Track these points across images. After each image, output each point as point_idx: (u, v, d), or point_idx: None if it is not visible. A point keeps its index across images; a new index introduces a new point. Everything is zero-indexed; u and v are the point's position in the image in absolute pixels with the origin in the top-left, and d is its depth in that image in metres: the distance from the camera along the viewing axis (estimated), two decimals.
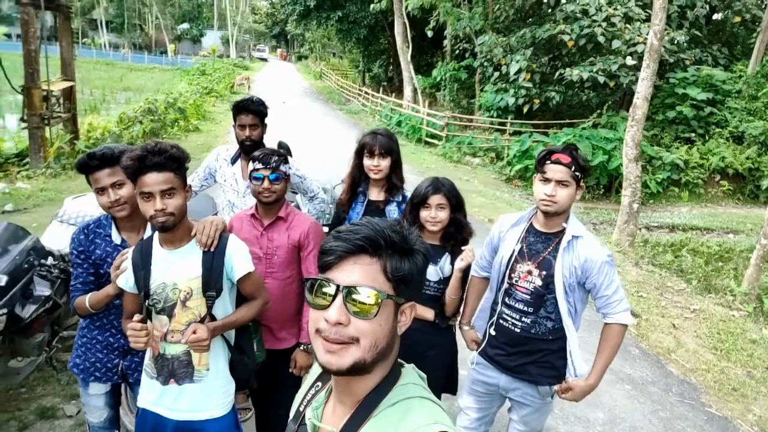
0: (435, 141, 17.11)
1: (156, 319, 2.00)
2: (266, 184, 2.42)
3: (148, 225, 2.24)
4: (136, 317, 1.86)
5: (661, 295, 6.37)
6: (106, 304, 2.16)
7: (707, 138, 15.24)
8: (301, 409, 1.17)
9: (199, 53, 55.05)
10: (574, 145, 2.31)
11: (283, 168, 2.47)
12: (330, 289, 0.97)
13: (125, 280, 2.00)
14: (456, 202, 2.50)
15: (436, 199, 2.47)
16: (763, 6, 16.39)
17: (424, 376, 1.11)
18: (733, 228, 11.80)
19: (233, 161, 3.20)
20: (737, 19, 16.91)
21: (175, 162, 1.89)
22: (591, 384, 2.31)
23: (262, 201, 2.46)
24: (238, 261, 2.05)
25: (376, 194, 2.99)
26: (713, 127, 15.34)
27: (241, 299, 2.18)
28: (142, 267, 1.97)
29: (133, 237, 2.25)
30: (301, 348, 2.57)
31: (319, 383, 1.18)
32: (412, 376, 1.07)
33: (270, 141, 3.41)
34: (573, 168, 2.18)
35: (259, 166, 2.43)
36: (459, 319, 2.67)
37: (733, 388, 4.46)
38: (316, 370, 1.22)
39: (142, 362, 2.13)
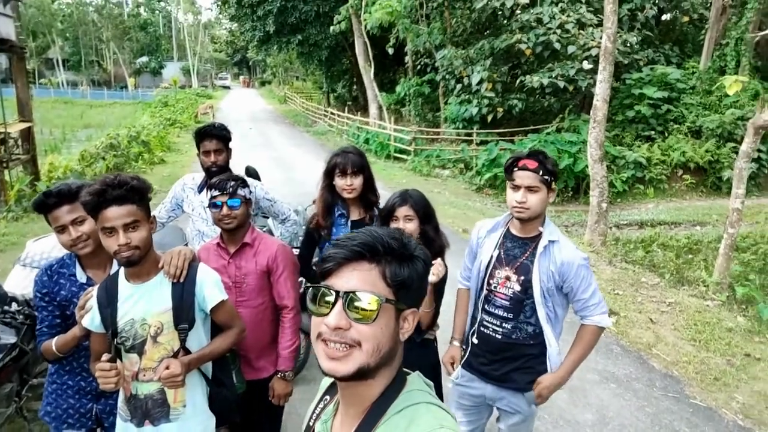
0: (404, 156, 17.20)
1: (126, 358, 1.93)
2: (225, 210, 2.37)
3: (115, 260, 2.17)
4: (104, 357, 1.78)
5: (636, 291, 6.46)
6: (73, 346, 2.07)
7: (667, 135, 15.68)
8: (310, 423, 1.18)
9: (160, 85, 54.50)
10: (541, 150, 2.33)
11: (241, 192, 2.42)
12: (330, 297, 0.99)
13: (91, 319, 1.92)
14: (424, 214, 2.49)
15: (402, 211, 2.45)
16: (708, 5, 17.06)
17: (431, 383, 1.11)
18: (699, 220, 12.10)
19: (200, 189, 3.14)
20: (685, 18, 17.56)
21: (137, 194, 1.83)
22: (559, 377, 2.30)
23: (224, 228, 2.41)
24: (210, 290, 1.99)
25: (357, 214, 2.95)
26: (671, 123, 15.79)
27: (216, 330, 2.12)
28: (108, 304, 1.90)
29: (99, 274, 2.17)
30: (279, 376, 2.50)
31: (327, 397, 1.19)
32: (418, 383, 1.08)
33: (237, 166, 3.37)
34: (541, 172, 2.19)
35: (216, 192, 2.39)
36: (437, 331, 2.64)
37: (714, 377, 4.52)
38: (324, 384, 1.23)
39: (116, 405, 2.05)
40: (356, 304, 0.97)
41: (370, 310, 0.97)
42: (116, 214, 1.77)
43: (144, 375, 1.92)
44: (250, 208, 2.52)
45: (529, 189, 2.19)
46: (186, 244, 3.51)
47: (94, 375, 1.83)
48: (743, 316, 5.93)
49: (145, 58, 64.66)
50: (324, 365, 0.99)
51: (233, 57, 73.16)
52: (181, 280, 1.95)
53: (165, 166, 14.86)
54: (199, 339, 2.02)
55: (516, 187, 2.22)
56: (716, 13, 16.46)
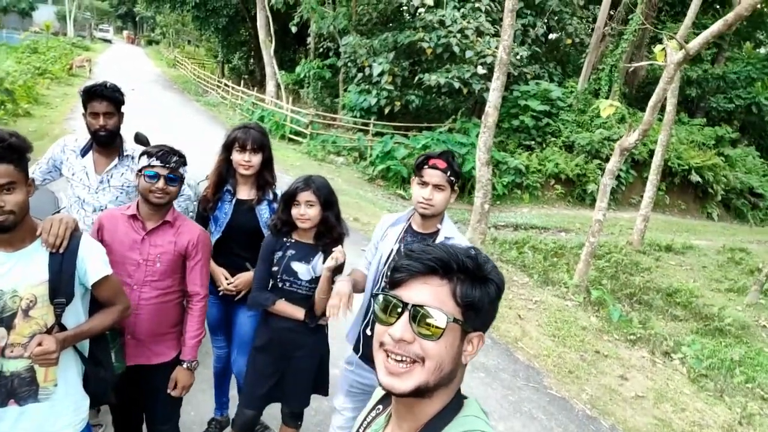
0: (299, 138, 16.97)
1: None
2: (161, 183, 2.21)
3: None
4: None
5: (508, 289, 6.96)
6: None
7: (544, 146, 17.02)
8: (360, 431, 1.15)
9: (29, 29, 48.60)
10: (451, 151, 2.44)
11: (181, 170, 2.29)
12: (398, 307, 0.97)
13: None
14: (326, 200, 2.51)
15: (305, 196, 2.46)
16: (591, 31, 18.66)
17: (487, 411, 1.09)
18: (564, 227, 13.29)
19: (83, 153, 2.87)
20: (568, 41, 19.09)
21: (15, 152, 1.65)
22: None
23: (152, 201, 2.23)
24: (93, 263, 1.85)
25: (246, 193, 2.89)
26: (549, 136, 17.17)
27: (95, 306, 1.97)
28: None
29: None
30: (185, 366, 2.40)
31: (380, 406, 1.16)
32: (474, 408, 1.05)
33: (124, 132, 3.13)
34: (449, 173, 2.30)
35: (156, 162, 2.21)
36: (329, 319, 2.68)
37: (569, 370, 5.01)
38: (377, 394, 1.21)
39: None
40: (423, 319, 0.95)
41: (437, 327, 0.95)
42: None
43: (12, 351, 1.74)
44: (181, 187, 2.37)
45: (437, 187, 2.30)
46: (58, 211, 3.21)
47: None
48: (596, 316, 6.63)
49: None
50: (382, 379, 0.97)
51: (117, 8, 67.18)
52: (61, 250, 1.79)
53: (31, 120, 13.33)
54: (76, 315, 1.87)
55: (424, 184, 2.31)
56: (596, 39, 18.09)
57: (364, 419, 1.19)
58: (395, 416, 1.07)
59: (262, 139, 2.81)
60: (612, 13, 18.48)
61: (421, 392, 0.97)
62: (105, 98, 2.74)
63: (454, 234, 2.43)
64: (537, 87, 16.96)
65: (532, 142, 17.02)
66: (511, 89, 16.84)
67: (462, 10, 15.86)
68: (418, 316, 0.96)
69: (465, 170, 14.39)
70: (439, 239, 2.39)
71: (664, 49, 6.05)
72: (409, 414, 1.03)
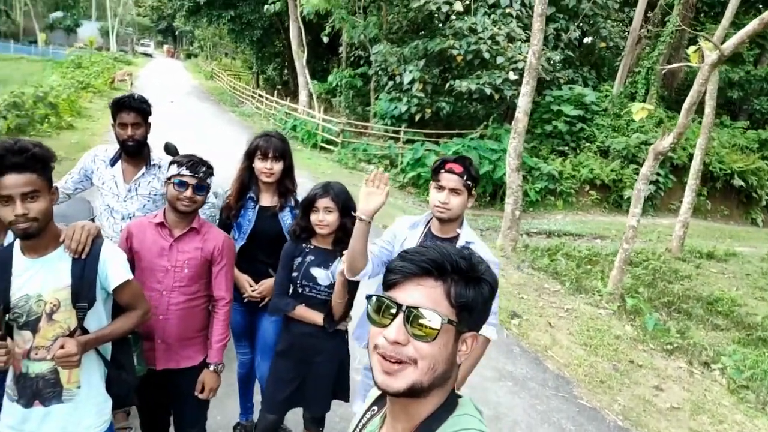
0: (330, 147, 17.13)
1: (18, 335, 1.81)
2: (189, 192, 2.28)
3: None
4: None
5: (539, 296, 6.85)
6: None
7: (578, 151, 16.71)
8: None
9: (74, 44, 50.67)
10: (468, 156, 2.44)
11: (208, 180, 2.36)
12: (392, 309, 0.97)
13: None
14: (344, 206, 2.52)
15: (323, 202, 2.48)
16: (625, 34, 18.29)
17: (482, 410, 1.09)
18: (599, 234, 12.99)
19: (113, 163, 2.97)
20: (603, 44, 18.74)
21: (39, 162, 1.72)
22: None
23: (179, 209, 2.31)
24: (114, 269, 1.91)
25: (268, 200, 2.94)
26: (583, 141, 16.84)
27: (117, 310, 2.03)
28: (1, 278, 1.77)
29: None
30: (211, 369, 2.45)
31: (375, 408, 1.17)
32: (469, 407, 1.05)
33: (156, 142, 3.23)
34: (465, 177, 2.30)
35: (185, 172, 2.28)
36: (349, 322, 2.69)
37: (601, 380, 4.89)
38: (373, 394, 1.22)
39: (4, 384, 1.92)
40: (418, 320, 0.95)
41: (431, 329, 0.95)
42: (14, 182, 1.65)
43: (36, 353, 1.81)
44: (207, 197, 2.45)
45: (453, 191, 2.31)
46: (93, 219, 3.33)
47: None
48: (631, 325, 6.45)
49: (59, 13, 59.82)
50: (377, 378, 0.98)
51: (158, 24, 69.22)
52: (83, 256, 1.86)
53: (74, 132, 13.88)
54: (98, 319, 1.93)
55: (440, 188, 2.32)
56: (632, 42, 17.71)
57: (360, 421, 1.19)
58: (390, 417, 1.07)
59: (283, 147, 2.86)
60: (648, 15, 18.07)
61: (415, 392, 0.97)
62: (132, 109, 2.83)
63: (474, 239, 2.42)
64: (570, 91, 16.69)
65: (566, 148, 16.73)
66: (544, 94, 16.62)
67: (493, 16, 15.76)
68: (412, 317, 0.96)
69: (497, 177, 14.28)
70: (460, 244, 2.38)
71: (698, 50, 5.88)
72: (404, 414, 1.03)
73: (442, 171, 2.33)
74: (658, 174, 15.58)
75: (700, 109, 10.30)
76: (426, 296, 0.98)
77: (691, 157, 12.84)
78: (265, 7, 20.95)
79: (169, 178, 2.32)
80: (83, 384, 1.90)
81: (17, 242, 1.84)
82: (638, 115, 6.77)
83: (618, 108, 17.20)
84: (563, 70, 17.24)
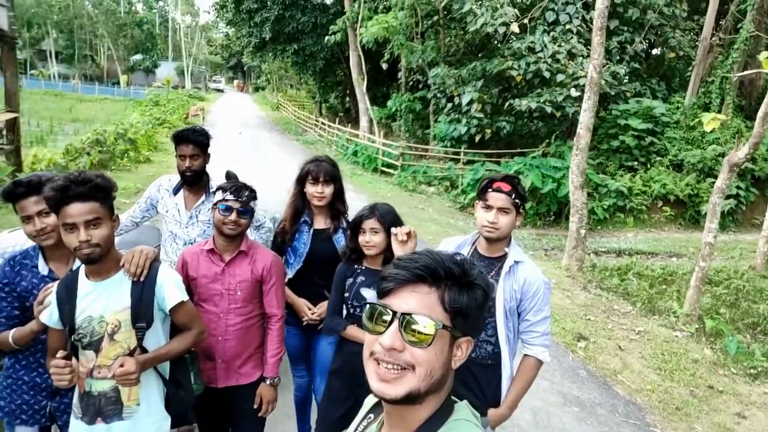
0: (390, 170, 17.30)
1: (82, 355, 1.93)
2: (233, 216, 2.37)
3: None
4: (60, 353, 1.78)
5: (607, 318, 6.54)
6: (30, 340, 2.07)
7: (649, 166, 15.97)
8: None
9: (152, 84, 54.30)
10: (515, 174, 2.41)
11: (252, 204, 2.45)
12: (387, 316, 0.98)
13: (49, 315, 1.93)
14: (389, 226, 2.53)
15: (369, 223, 2.52)
16: (695, 44, 17.49)
17: (478, 414, 1.10)
18: (675, 252, 12.28)
19: (175, 191, 3.15)
20: (672, 54, 17.97)
21: (101, 191, 1.84)
22: (501, 414, 2.34)
23: (225, 233, 2.40)
24: (170, 290, 2.01)
25: (322, 223, 3.00)
26: (654, 155, 16.09)
27: (175, 330, 2.13)
28: (67, 301, 1.90)
29: (61, 268, 2.18)
30: (267, 383, 2.53)
31: (372, 415, 1.18)
32: (465, 412, 1.06)
33: (219, 169, 3.38)
34: (513, 196, 2.27)
35: (229, 197, 2.39)
36: None
37: (676, 407, 4.59)
38: (368, 402, 1.23)
39: (71, 402, 2.04)
40: (412, 326, 0.96)
41: (426, 335, 0.96)
42: (78, 210, 1.78)
43: (99, 372, 1.92)
44: (252, 220, 2.55)
45: (501, 210, 2.27)
46: (159, 245, 3.52)
47: (49, 371, 1.83)
48: (710, 348, 6.03)
49: (139, 56, 64.46)
50: (374, 386, 0.98)
51: (228, 61, 73.22)
52: (141, 279, 1.96)
53: (151, 165, 14.78)
54: (157, 339, 2.03)
55: (488, 208, 2.29)
56: (703, 51, 16.89)
57: (356, 429, 1.19)
58: (387, 423, 1.08)
59: (333, 171, 2.92)
60: (720, 22, 17.22)
61: (412, 398, 0.98)
62: (191, 142, 3.00)
63: (522, 258, 2.37)
64: (638, 105, 16.05)
65: (635, 163, 16.04)
66: (610, 108, 16.10)
67: (552, 33, 15.53)
68: (407, 324, 0.97)
69: (561, 195, 13.87)
70: (508, 263, 2.34)
71: None
72: (401, 420, 1.03)
73: (490, 190, 2.30)
74: (738, 188, 14.63)
75: None
76: (420, 302, 0.98)
77: None
78: (326, 38, 21.66)
79: (215, 204, 2.42)
80: (142, 401, 1.99)
81: (82, 267, 1.97)
82: (709, 125, 6.42)
83: (691, 119, 16.35)
84: (630, 83, 16.65)
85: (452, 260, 1.02)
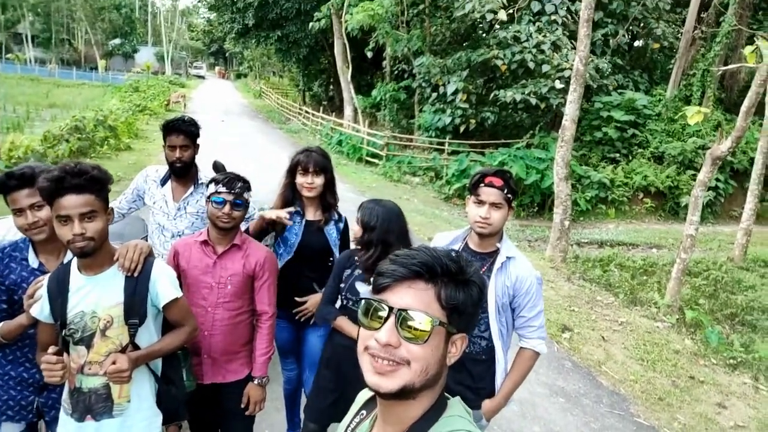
0: (375, 160, 17.25)
1: (73, 351, 1.88)
2: (227, 209, 2.32)
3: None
4: (51, 349, 1.74)
5: (591, 309, 6.63)
6: (18, 334, 2.02)
7: (630, 158, 16.16)
8: None
9: (132, 69, 53.20)
10: (506, 169, 2.40)
11: (246, 195, 2.41)
12: (383, 312, 0.98)
13: (40, 309, 1.88)
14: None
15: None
16: (679, 35, 17.66)
17: (470, 411, 1.10)
18: (655, 243, 12.49)
19: (163, 182, 3.09)
20: (656, 45, 18.12)
21: (97, 184, 1.80)
22: (497, 404, 2.36)
23: (219, 226, 2.36)
24: (164, 286, 1.97)
25: (312, 214, 2.97)
26: (636, 147, 16.29)
27: (167, 327, 2.09)
28: (58, 295, 1.85)
29: (52, 261, 2.13)
30: (255, 383, 2.49)
31: (364, 411, 1.17)
32: (458, 408, 1.06)
33: (205, 160, 3.33)
34: (505, 191, 2.25)
35: (222, 189, 2.34)
36: None
37: (659, 397, 4.67)
38: (360, 399, 1.22)
39: (60, 398, 2.00)
40: (409, 322, 0.96)
41: (422, 331, 0.96)
42: (73, 202, 1.74)
43: (90, 368, 1.88)
44: (246, 211, 2.50)
45: (494, 205, 2.25)
46: (145, 237, 3.46)
47: (38, 366, 1.79)
48: (691, 339, 6.15)
49: (117, 41, 63.08)
50: (369, 379, 0.98)
51: (210, 47, 72.13)
52: (135, 274, 1.92)
53: (131, 153, 14.53)
54: (149, 335, 1.99)
55: (480, 203, 2.27)
56: (686, 44, 17.07)
57: (348, 425, 1.18)
58: (380, 419, 1.07)
59: (323, 162, 2.89)
60: (702, 15, 17.39)
61: (406, 393, 0.98)
62: (181, 132, 2.94)
63: (515, 254, 2.37)
64: (621, 96, 16.20)
65: (617, 155, 16.22)
66: (593, 101, 16.22)
67: (537, 23, 15.56)
68: (404, 320, 0.97)
69: (544, 186, 13.99)
70: (500, 259, 2.34)
71: (756, 49, 5.60)
72: (394, 416, 1.03)
73: (482, 185, 2.28)
74: (717, 180, 14.87)
75: (760, 110, 9.80)
76: (417, 299, 0.98)
77: (752, 161, 12.19)
78: (311, 24, 21.44)
79: (208, 197, 2.38)
80: (133, 398, 1.95)
81: (74, 260, 1.92)
82: (693, 119, 6.48)
83: (672, 112, 16.57)
84: (612, 75, 16.78)
85: (449, 257, 1.03)
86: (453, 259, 1.02)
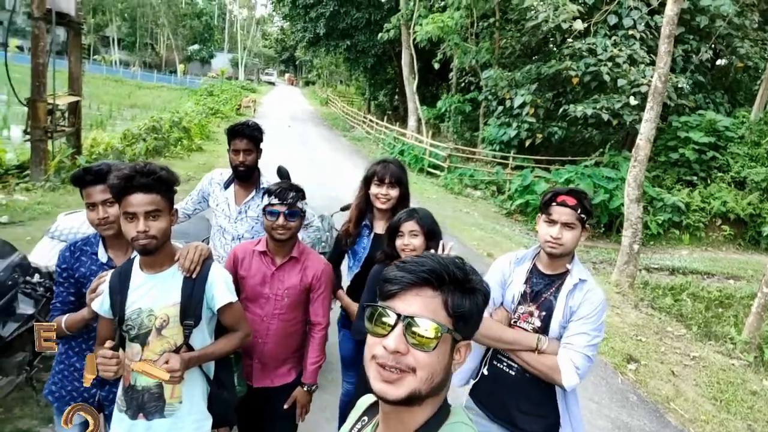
0: (437, 172, 17.13)
1: (129, 347, 1.90)
2: (281, 220, 2.30)
3: None
4: (108, 344, 1.77)
5: (660, 340, 6.24)
6: (81, 327, 2.07)
7: (709, 182, 15.23)
8: None
9: (208, 74, 55.73)
10: (582, 189, 2.26)
11: (299, 205, 2.37)
12: (390, 319, 0.98)
13: (100, 303, 1.92)
14: (429, 230, 2.45)
15: (408, 226, 2.43)
16: (766, 54, 16.58)
17: (473, 418, 1.09)
18: (733, 274, 11.68)
19: (226, 186, 3.13)
20: (740, 65, 17.07)
21: (164, 184, 1.84)
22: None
23: (275, 238, 2.34)
24: (220, 290, 1.96)
25: (382, 227, 2.90)
26: (715, 171, 15.34)
27: (221, 330, 2.08)
28: (119, 290, 1.89)
29: (120, 256, 2.18)
30: (305, 389, 2.48)
31: (366, 418, 1.17)
32: (461, 415, 1.07)
33: (270, 164, 3.36)
34: (579, 210, 2.13)
35: (274, 201, 2.32)
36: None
37: None
38: (362, 404, 1.22)
39: (115, 395, 2.03)
40: (416, 330, 0.96)
41: (430, 338, 0.96)
42: (139, 201, 1.78)
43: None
44: (303, 220, 2.47)
45: (566, 225, 2.14)
46: (207, 238, 3.52)
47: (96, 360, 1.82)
48: None
49: (196, 46, 66.27)
50: (375, 386, 0.98)
51: (281, 54, 74.32)
52: (194, 275, 1.93)
53: (202, 154, 15.11)
54: (203, 337, 1.99)
55: (552, 222, 2.16)
56: None
57: (350, 431, 1.16)
58: (383, 425, 1.07)
59: (399, 174, 2.83)
60: None
61: (412, 400, 0.97)
62: (245, 136, 2.97)
63: (586, 277, 2.22)
64: (701, 117, 15.33)
65: (694, 178, 15.32)
66: (670, 120, 15.45)
67: (614, 37, 15.01)
68: (412, 327, 0.96)
69: (613, 206, 13.42)
70: (572, 281, 2.20)
71: None
72: (398, 423, 1.03)
73: (554, 204, 2.16)
74: None
75: None
76: (425, 306, 0.98)
77: None
78: (379, 35, 21.64)
79: (264, 209, 2.36)
80: (185, 400, 1.95)
81: (137, 258, 1.95)
82: None
83: (757, 135, 15.50)
84: (692, 95, 15.93)
85: (455, 264, 1.03)
86: (459, 267, 1.02)
